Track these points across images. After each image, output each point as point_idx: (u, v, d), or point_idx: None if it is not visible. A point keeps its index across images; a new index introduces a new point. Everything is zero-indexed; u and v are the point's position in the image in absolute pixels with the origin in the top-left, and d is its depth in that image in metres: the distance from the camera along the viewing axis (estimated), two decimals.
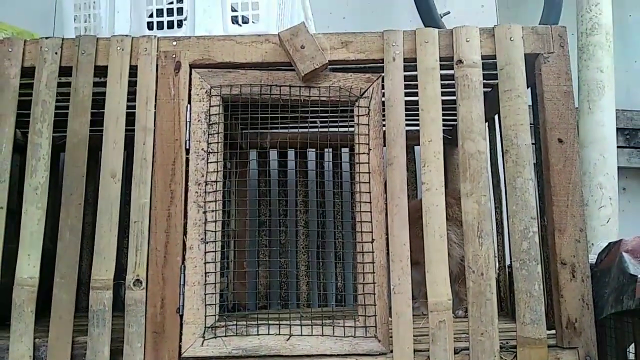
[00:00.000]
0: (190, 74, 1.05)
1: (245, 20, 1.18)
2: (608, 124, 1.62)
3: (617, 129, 1.68)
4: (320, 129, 1.43)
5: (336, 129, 1.36)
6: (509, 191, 1.02)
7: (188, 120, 1.04)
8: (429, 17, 1.63)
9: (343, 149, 1.58)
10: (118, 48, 1.06)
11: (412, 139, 1.12)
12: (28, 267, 0.97)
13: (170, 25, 1.17)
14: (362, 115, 1.04)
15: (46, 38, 1.07)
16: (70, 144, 1.02)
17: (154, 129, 1.03)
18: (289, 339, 0.98)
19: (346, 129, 1.16)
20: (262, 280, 1.53)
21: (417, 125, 1.05)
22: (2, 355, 0.96)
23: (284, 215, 1.56)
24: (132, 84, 1.05)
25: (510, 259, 1.05)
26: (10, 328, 0.96)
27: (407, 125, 1.04)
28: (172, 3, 1.17)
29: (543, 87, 1.05)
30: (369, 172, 1.03)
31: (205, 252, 1.00)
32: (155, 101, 1.04)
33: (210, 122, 1.04)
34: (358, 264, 1.00)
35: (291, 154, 1.59)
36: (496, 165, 1.33)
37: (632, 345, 1.05)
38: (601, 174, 1.58)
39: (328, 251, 1.57)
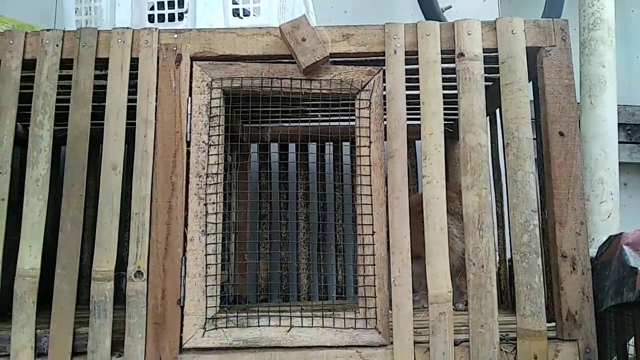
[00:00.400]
0: (191, 66, 1.05)
1: (247, 13, 1.18)
2: (609, 119, 1.62)
3: (619, 124, 1.68)
4: (321, 123, 1.44)
5: (337, 123, 1.36)
6: (509, 184, 1.02)
7: (189, 112, 1.04)
8: (430, 11, 1.63)
9: (344, 143, 1.58)
10: (119, 40, 1.05)
11: (413, 133, 1.12)
12: (29, 258, 0.98)
13: (171, 17, 1.17)
14: (363, 108, 1.04)
15: (47, 30, 1.07)
16: (71, 136, 1.02)
17: (155, 122, 1.03)
18: (289, 330, 0.98)
19: (347, 123, 1.16)
20: (263, 273, 1.53)
21: (418, 119, 1.05)
22: (4, 346, 0.96)
23: (285, 208, 1.57)
24: (133, 77, 1.05)
25: (511, 252, 1.05)
26: (12, 319, 0.96)
27: (408, 119, 1.04)
28: None
29: (544, 81, 1.05)
30: (369, 165, 1.03)
31: (206, 244, 1.00)
32: (156, 94, 1.04)
33: (211, 115, 1.04)
34: (359, 257, 1.01)
35: (292, 147, 1.59)
36: (497, 160, 1.33)
37: (632, 339, 1.05)
38: (602, 169, 1.58)
39: (329, 243, 1.57)
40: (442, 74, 1.04)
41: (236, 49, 1.06)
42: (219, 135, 1.04)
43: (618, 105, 1.65)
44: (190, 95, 1.04)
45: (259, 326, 0.99)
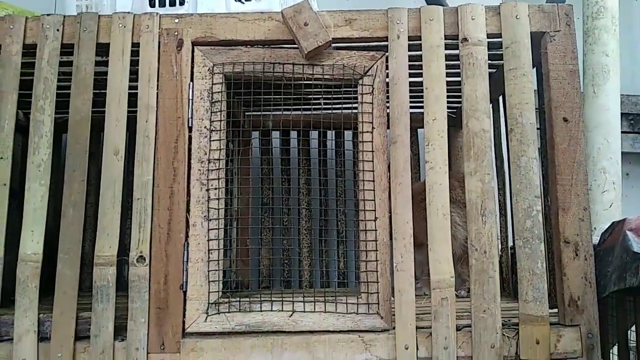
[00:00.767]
0: (193, 51, 1.05)
1: None
2: (613, 108, 1.61)
3: (622, 114, 1.67)
4: (323, 110, 1.43)
5: (339, 110, 1.35)
6: (513, 170, 1.02)
7: (190, 98, 1.03)
8: None
9: (346, 131, 1.57)
10: (120, 25, 1.05)
11: (416, 121, 1.12)
12: (32, 243, 0.98)
13: (172, 2, 1.17)
14: (366, 93, 1.04)
15: (48, 15, 1.06)
16: (72, 122, 1.02)
17: (157, 107, 1.02)
18: (291, 315, 0.98)
19: (349, 110, 1.16)
20: (265, 260, 1.53)
21: (421, 107, 1.04)
22: (7, 330, 0.96)
23: (287, 195, 1.57)
24: (134, 63, 1.04)
25: (513, 239, 1.05)
26: (15, 303, 0.96)
27: (410, 107, 1.03)
28: None
29: (549, 66, 1.04)
30: (372, 151, 1.02)
31: (209, 230, 1.00)
32: (158, 79, 1.03)
33: (213, 100, 1.03)
34: (361, 242, 1.01)
35: (293, 135, 1.58)
36: (499, 147, 1.33)
37: (634, 327, 1.05)
38: (605, 159, 1.58)
39: (330, 229, 1.57)
40: (445, 60, 1.04)
41: (238, 34, 1.05)
42: (220, 120, 1.03)
43: (621, 94, 1.64)
44: (191, 80, 1.04)
45: (261, 311, 0.99)
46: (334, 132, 1.59)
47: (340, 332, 0.98)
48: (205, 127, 1.03)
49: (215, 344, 0.96)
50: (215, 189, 1.01)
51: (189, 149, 1.02)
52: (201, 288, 0.98)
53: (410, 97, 1.03)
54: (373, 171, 1.02)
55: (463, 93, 1.03)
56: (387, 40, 1.04)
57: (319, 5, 1.52)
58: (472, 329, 0.97)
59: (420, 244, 1.03)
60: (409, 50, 1.04)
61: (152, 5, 1.17)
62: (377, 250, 1.00)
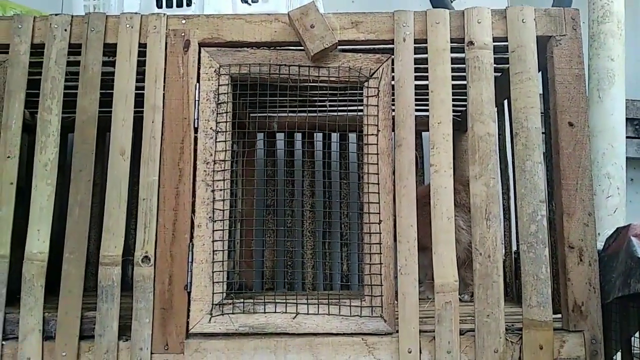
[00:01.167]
0: (199, 52, 1.05)
1: (255, 0, 1.17)
2: (617, 113, 1.60)
3: (627, 119, 1.67)
4: (328, 113, 1.43)
5: (344, 113, 1.35)
6: (518, 174, 1.02)
7: (197, 99, 1.04)
8: (439, 0, 1.61)
9: (350, 133, 1.58)
10: (127, 26, 1.05)
11: (420, 125, 1.12)
12: (38, 242, 0.98)
13: (180, 3, 1.17)
14: (372, 96, 1.04)
15: (55, 15, 1.06)
16: (79, 121, 1.02)
17: (163, 108, 1.03)
18: (295, 317, 0.98)
19: (353, 113, 1.16)
20: (268, 262, 1.54)
21: (426, 110, 1.05)
22: (12, 329, 0.97)
23: (290, 198, 1.57)
24: (141, 64, 1.05)
25: (517, 244, 1.05)
26: (20, 302, 0.96)
27: (415, 110, 1.03)
28: None
29: (554, 70, 1.04)
30: (377, 154, 1.02)
31: (214, 231, 1.00)
32: (164, 79, 1.03)
33: (219, 102, 1.04)
34: (365, 245, 1.01)
35: (298, 137, 1.59)
36: (504, 151, 1.33)
37: (637, 333, 1.05)
38: (609, 164, 1.57)
39: (334, 232, 1.57)
40: (451, 64, 1.04)
41: (244, 35, 1.06)
42: (226, 122, 1.04)
43: (626, 100, 1.64)
44: (198, 81, 1.04)
45: (265, 312, 0.99)
46: (338, 134, 1.60)
47: (343, 334, 0.98)
48: (211, 128, 1.03)
49: (219, 345, 0.96)
50: (221, 190, 1.02)
51: (195, 150, 1.02)
52: (205, 289, 0.99)
53: (415, 100, 1.03)
54: (378, 174, 1.02)
55: (468, 96, 1.03)
56: (393, 43, 1.05)
57: (325, 8, 1.53)
58: (475, 334, 0.97)
59: (424, 247, 1.03)
60: (414, 54, 1.04)
61: (159, 5, 1.18)
62: (381, 254, 1.00)
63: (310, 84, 1.06)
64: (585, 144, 1.02)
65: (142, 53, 1.05)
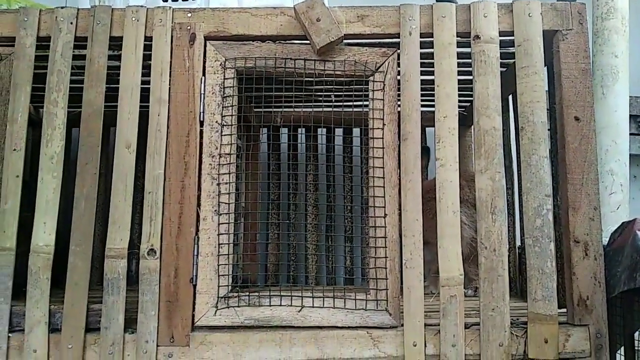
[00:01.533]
0: (205, 45, 1.05)
1: None
2: (621, 110, 1.60)
3: (630, 116, 1.66)
4: (334, 108, 1.43)
5: (349, 109, 1.35)
6: (523, 168, 1.02)
7: (202, 92, 1.04)
8: None
9: (354, 128, 1.58)
10: (133, 19, 1.05)
11: (425, 120, 1.11)
12: (44, 234, 0.98)
13: None
14: (377, 90, 1.04)
15: (61, 8, 1.06)
16: (85, 114, 1.02)
17: (169, 101, 1.03)
18: (300, 310, 0.99)
19: (359, 109, 1.16)
20: (271, 257, 1.54)
21: (430, 106, 1.04)
22: (18, 321, 0.97)
23: (294, 193, 1.57)
24: (146, 58, 1.05)
25: (521, 239, 1.05)
26: (26, 294, 0.97)
27: (421, 105, 1.03)
28: None
29: (561, 65, 1.04)
30: (382, 148, 1.02)
31: (219, 224, 1.00)
32: (170, 73, 1.03)
33: (225, 95, 1.04)
34: (370, 239, 1.01)
35: (302, 132, 1.58)
36: (508, 146, 1.33)
37: None
38: (613, 160, 1.57)
39: (338, 225, 1.57)
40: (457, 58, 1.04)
41: (250, 29, 1.06)
42: (232, 115, 1.04)
43: (630, 96, 1.63)
44: (203, 74, 1.04)
45: (270, 306, 0.99)
46: (343, 128, 1.59)
47: (348, 327, 0.98)
48: (216, 121, 1.03)
49: (224, 337, 0.97)
50: (226, 183, 1.02)
51: (200, 143, 1.02)
52: (211, 282, 0.99)
53: (420, 95, 1.03)
54: (383, 168, 1.02)
55: (474, 91, 1.03)
56: (399, 37, 1.04)
57: (330, 1, 1.53)
58: (480, 327, 0.97)
59: (427, 242, 1.03)
60: (420, 48, 1.04)
61: None
62: (386, 247, 1.00)
63: (315, 79, 1.06)
64: (591, 139, 1.02)
65: (147, 47, 1.05)
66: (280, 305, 0.99)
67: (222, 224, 1.01)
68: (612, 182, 1.57)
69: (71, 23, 1.05)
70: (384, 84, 1.04)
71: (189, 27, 1.05)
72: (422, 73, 1.05)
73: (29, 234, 0.99)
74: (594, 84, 1.59)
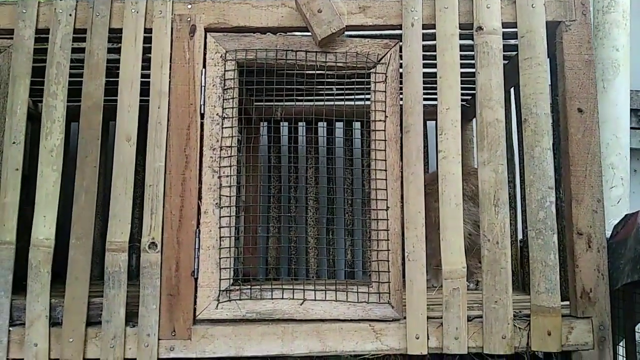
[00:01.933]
0: (205, 37, 1.04)
1: None
2: (622, 103, 1.59)
3: (631, 109, 1.66)
4: (335, 102, 1.42)
5: (352, 102, 1.34)
6: (526, 160, 1.01)
7: (203, 84, 1.03)
8: None
9: (355, 122, 1.57)
10: (132, 10, 1.04)
11: (426, 114, 1.11)
12: (44, 228, 0.98)
13: None
14: (379, 82, 1.03)
15: (60, 0, 1.05)
16: (85, 107, 1.01)
17: (169, 93, 1.02)
18: (302, 303, 0.98)
19: (357, 102, 1.15)
20: (272, 251, 1.53)
21: (431, 99, 1.04)
22: (19, 315, 0.96)
23: (295, 187, 1.56)
24: (146, 51, 1.04)
25: (523, 232, 1.05)
26: (27, 288, 0.96)
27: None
28: None
29: (564, 56, 1.03)
30: (385, 140, 1.02)
31: (220, 217, 1.00)
32: (170, 65, 1.03)
33: (225, 87, 1.03)
34: (372, 232, 1.00)
35: (302, 125, 1.58)
36: (510, 139, 1.32)
37: None
38: (613, 154, 1.56)
39: (339, 219, 1.57)
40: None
41: (251, 20, 1.05)
42: (232, 108, 1.03)
43: (630, 90, 1.63)
44: (204, 67, 1.03)
45: (272, 299, 0.99)
46: (344, 121, 1.59)
47: (350, 320, 0.97)
48: (217, 114, 1.02)
49: (226, 330, 0.96)
50: (227, 176, 1.01)
51: (201, 136, 1.02)
52: (212, 275, 0.98)
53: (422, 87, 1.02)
54: (385, 160, 1.01)
55: (477, 82, 1.03)
56: (401, 28, 1.04)
57: None
58: (483, 320, 0.97)
59: (426, 236, 1.02)
60: (422, 40, 1.03)
61: None
62: (388, 240, 0.99)
63: (316, 72, 1.05)
64: (595, 130, 1.01)
65: (147, 39, 1.04)
66: (282, 298, 0.99)
67: (223, 217, 1.00)
68: (613, 176, 1.56)
69: (70, 15, 1.04)
70: (386, 76, 1.03)
71: (189, 19, 1.04)
72: (423, 66, 1.04)
73: (29, 228, 0.98)
74: (595, 77, 1.59)
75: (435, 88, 1.02)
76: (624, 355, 1.04)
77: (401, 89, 1.03)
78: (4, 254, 0.97)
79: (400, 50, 1.04)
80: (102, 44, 1.03)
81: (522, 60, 1.03)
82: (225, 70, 1.03)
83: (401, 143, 1.01)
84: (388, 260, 0.99)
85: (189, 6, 1.05)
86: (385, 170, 1.01)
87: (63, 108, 1.02)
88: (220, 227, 0.99)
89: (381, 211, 1.00)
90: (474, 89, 1.05)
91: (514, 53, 1.16)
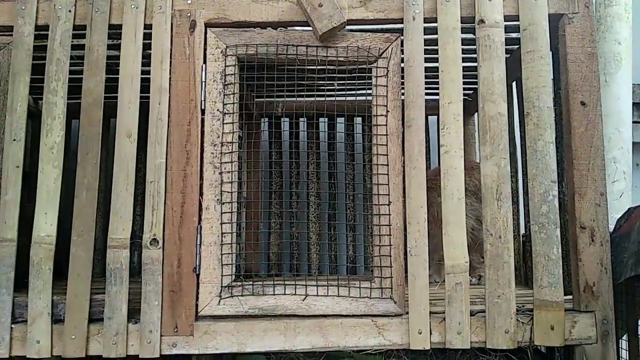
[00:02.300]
0: (206, 33, 1.04)
1: None
2: (624, 97, 1.58)
3: (633, 103, 1.65)
4: (336, 98, 1.42)
5: (348, 97, 1.34)
6: (529, 154, 1.00)
7: (203, 80, 1.02)
8: None
9: (357, 117, 1.57)
10: (132, 6, 1.04)
11: (427, 109, 1.10)
12: (45, 225, 0.97)
13: None
14: (381, 76, 1.03)
15: None
16: (85, 104, 1.01)
17: (169, 89, 1.01)
18: (304, 299, 0.98)
19: (358, 97, 1.14)
20: (274, 247, 1.53)
21: (432, 94, 1.03)
22: (21, 312, 0.96)
23: (296, 182, 1.56)
24: (146, 47, 1.03)
25: (526, 226, 1.04)
26: (29, 285, 0.96)
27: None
28: None
29: (567, 49, 1.02)
30: (386, 135, 1.01)
31: (222, 213, 0.99)
32: (170, 61, 1.02)
33: (226, 83, 1.02)
34: (374, 227, 1.00)
35: (303, 121, 1.57)
36: (512, 133, 1.32)
37: None
38: (616, 148, 1.56)
39: (340, 215, 1.57)
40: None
41: (251, 15, 1.04)
42: (233, 103, 1.02)
43: (633, 84, 1.62)
44: (204, 62, 1.03)
45: (274, 295, 0.98)
46: (345, 116, 1.58)
47: (353, 316, 0.97)
48: (218, 109, 1.02)
49: (229, 327, 0.96)
50: (228, 172, 1.01)
51: (202, 132, 1.01)
52: (214, 271, 0.98)
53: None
54: (387, 155, 1.01)
55: (479, 76, 1.02)
56: (402, 22, 1.03)
57: None
58: (486, 315, 0.96)
59: (428, 232, 1.02)
60: (424, 34, 1.02)
61: None
62: (390, 235, 0.99)
63: (317, 67, 1.05)
64: (598, 124, 1.01)
65: (147, 35, 1.03)
66: (285, 294, 0.98)
67: (224, 213, 1.00)
68: (615, 170, 1.55)
69: (69, 11, 1.03)
70: (388, 70, 1.02)
71: (189, 14, 1.03)
72: (425, 60, 1.03)
73: (31, 225, 0.98)
74: None
75: (437, 82, 1.02)
76: (627, 349, 1.04)
77: (403, 83, 1.03)
78: (6, 251, 0.97)
79: (402, 45, 1.03)
80: (102, 40, 1.03)
81: (525, 54, 1.02)
82: (225, 66, 1.03)
83: (403, 138, 1.01)
84: (390, 256, 0.99)
85: (189, 1, 1.04)
86: (387, 165, 1.01)
87: (63, 105, 1.01)
88: (221, 223, 0.99)
89: (383, 206, 1.00)
90: (476, 83, 1.05)
91: (516, 46, 1.16)
